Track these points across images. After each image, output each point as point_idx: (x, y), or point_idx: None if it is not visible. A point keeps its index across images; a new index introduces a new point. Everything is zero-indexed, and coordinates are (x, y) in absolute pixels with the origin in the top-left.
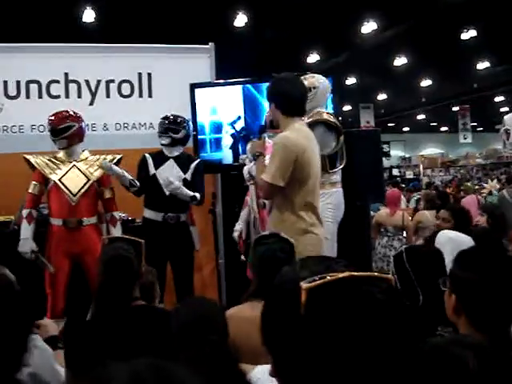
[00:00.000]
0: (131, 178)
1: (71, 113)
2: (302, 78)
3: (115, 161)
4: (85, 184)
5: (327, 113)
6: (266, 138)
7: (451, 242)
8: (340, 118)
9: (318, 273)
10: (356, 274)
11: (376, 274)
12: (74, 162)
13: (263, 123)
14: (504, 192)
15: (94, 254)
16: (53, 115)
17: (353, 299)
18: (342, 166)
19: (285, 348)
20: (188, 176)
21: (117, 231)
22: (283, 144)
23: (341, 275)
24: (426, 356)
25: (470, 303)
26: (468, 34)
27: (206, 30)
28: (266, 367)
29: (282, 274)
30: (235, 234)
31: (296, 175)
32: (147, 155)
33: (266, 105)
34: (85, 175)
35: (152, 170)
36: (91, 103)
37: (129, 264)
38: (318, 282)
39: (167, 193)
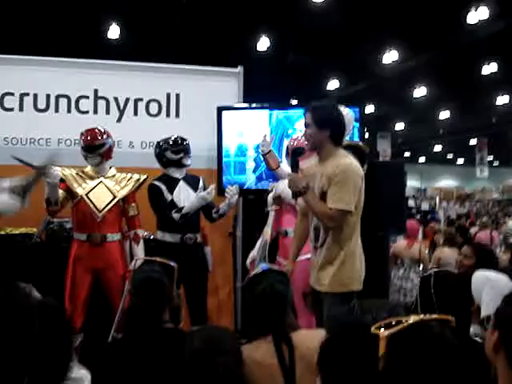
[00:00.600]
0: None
1: (104, 130)
2: None
3: (141, 181)
4: (111, 201)
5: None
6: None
7: (489, 280)
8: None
9: (382, 318)
10: (424, 318)
11: (437, 316)
12: (102, 178)
13: (287, 151)
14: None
15: (116, 271)
16: (88, 131)
17: (430, 345)
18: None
19: None
20: None
21: (139, 249)
22: (350, 170)
23: (411, 320)
24: None
25: (509, 340)
26: (489, 69)
27: (228, 52)
28: None
29: (341, 319)
30: (248, 262)
31: (357, 201)
32: (157, 183)
33: (292, 130)
34: (111, 192)
35: (168, 196)
36: (119, 120)
37: (161, 287)
38: (395, 328)
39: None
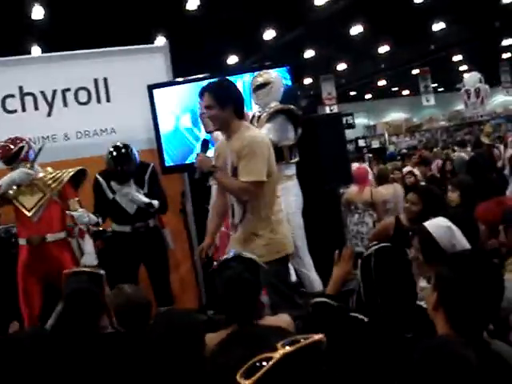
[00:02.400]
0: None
1: (14, 138)
2: (257, 74)
3: (71, 174)
4: (40, 199)
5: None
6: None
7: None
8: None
9: (245, 357)
10: (289, 349)
11: (306, 341)
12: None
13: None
14: (463, 155)
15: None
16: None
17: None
18: (298, 159)
19: None
20: (145, 190)
21: (86, 244)
22: (256, 142)
23: (274, 358)
24: (425, 356)
25: (449, 301)
26: None
27: (160, 18)
28: None
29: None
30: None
31: (268, 170)
32: (100, 179)
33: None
34: (41, 190)
35: (110, 194)
36: (49, 114)
37: (91, 297)
38: (256, 376)
39: (132, 211)
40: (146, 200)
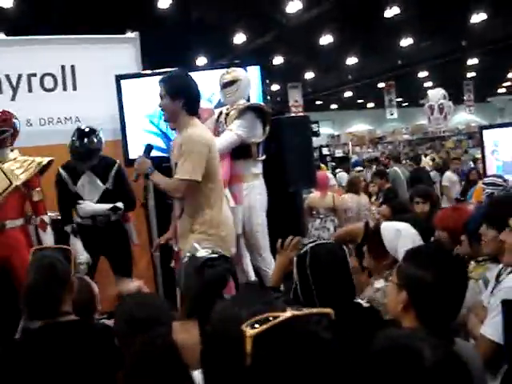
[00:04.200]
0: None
1: (4, 116)
2: (225, 71)
3: (43, 164)
4: (7, 188)
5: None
6: None
7: (399, 231)
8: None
9: (258, 312)
10: (297, 313)
11: (315, 310)
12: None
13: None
14: (396, 169)
15: (21, 257)
16: None
17: (299, 342)
18: (265, 156)
19: None
20: (109, 185)
21: (47, 236)
22: (194, 140)
23: (283, 317)
24: (380, 349)
25: (421, 300)
26: (391, 12)
27: (130, 14)
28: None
29: (220, 313)
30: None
31: (208, 169)
32: (62, 172)
33: None
34: (8, 178)
35: (72, 188)
36: (13, 99)
37: (54, 267)
38: (263, 327)
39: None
40: (108, 206)
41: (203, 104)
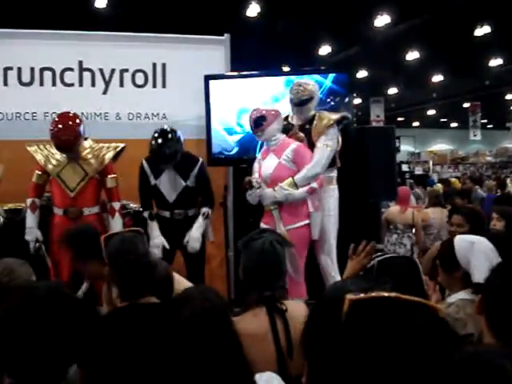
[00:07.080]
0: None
1: (73, 122)
2: (296, 83)
3: (118, 150)
4: (83, 179)
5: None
6: None
7: (474, 244)
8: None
9: (365, 289)
10: (402, 296)
11: (422, 300)
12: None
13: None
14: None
15: None
16: (59, 131)
17: (393, 319)
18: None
19: (321, 358)
20: (189, 183)
21: (115, 222)
22: None
23: (386, 294)
24: (461, 366)
25: (493, 308)
26: (482, 31)
27: (219, 20)
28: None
29: (333, 285)
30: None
31: None
32: (145, 165)
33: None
34: (83, 170)
35: (152, 180)
36: (105, 92)
37: (134, 246)
38: (363, 296)
39: (171, 200)
40: (203, 224)
41: (269, 106)
